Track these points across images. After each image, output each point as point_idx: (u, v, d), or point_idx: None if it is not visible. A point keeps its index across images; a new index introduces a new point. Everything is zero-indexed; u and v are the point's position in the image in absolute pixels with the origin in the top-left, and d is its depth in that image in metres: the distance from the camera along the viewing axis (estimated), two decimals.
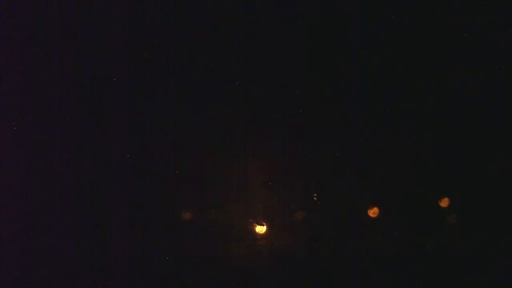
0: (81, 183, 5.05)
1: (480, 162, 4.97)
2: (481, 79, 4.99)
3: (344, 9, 5.03)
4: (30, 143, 5.08)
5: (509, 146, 4.95)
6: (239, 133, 5.04)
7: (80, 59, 5.08)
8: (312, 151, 5.05)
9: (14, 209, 5.09)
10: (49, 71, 5.09)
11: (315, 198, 4.98)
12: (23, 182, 5.09)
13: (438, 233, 4.99)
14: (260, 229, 5.04)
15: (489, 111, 4.97)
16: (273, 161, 5.05)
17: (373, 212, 5.00)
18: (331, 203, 5.01)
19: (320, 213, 5.02)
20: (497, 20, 4.98)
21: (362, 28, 5.02)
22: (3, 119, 5.10)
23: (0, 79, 5.11)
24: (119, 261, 5.02)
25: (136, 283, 5.01)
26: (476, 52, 4.99)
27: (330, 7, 5.03)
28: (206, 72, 5.06)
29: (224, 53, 5.05)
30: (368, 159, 5.02)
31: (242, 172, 5.03)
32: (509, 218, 4.93)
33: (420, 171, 5.00)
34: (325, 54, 5.05)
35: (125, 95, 5.06)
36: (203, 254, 5.02)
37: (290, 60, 5.04)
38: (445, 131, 5.00)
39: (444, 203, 4.99)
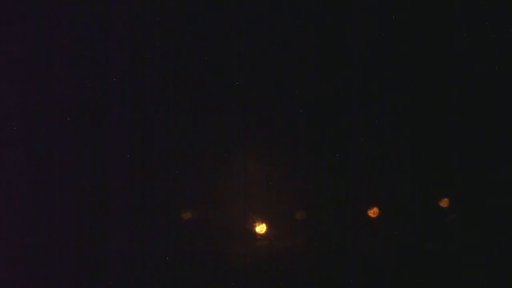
0: (81, 183, 5.05)
1: (480, 162, 4.97)
2: (481, 79, 4.99)
3: (344, 9, 5.04)
4: (30, 143, 5.08)
5: (509, 146, 4.95)
6: (239, 133, 5.04)
7: (80, 59, 5.09)
8: (312, 151, 5.05)
9: (14, 209, 5.09)
10: (49, 71, 5.09)
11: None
12: (23, 182, 5.09)
13: (438, 233, 4.99)
14: (260, 229, 5.04)
15: (489, 111, 4.97)
16: (273, 161, 5.05)
17: (373, 212, 5.00)
18: (331, 203, 5.01)
19: (320, 213, 5.02)
20: (497, 20, 4.99)
21: (363, 28, 5.02)
22: (3, 119, 5.10)
23: (0, 79, 5.12)
24: (119, 261, 5.02)
25: (136, 283, 5.01)
26: (476, 52, 5.00)
27: (330, 7, 5.04)
28: (206, 72, 5.06)
29: (224, 53, 5.05)
30: (368, 159, 5.02)
31: (242, 172, 5.03)
32: (509, 218, 4.93)
33: (420, 171, 5.00)
34: (325, 54, 5.05)
35: (125, 95, 5.07)
36: (203, 254, 5.02)
37: (290, 60, 5.05)
38: (445, 131, 5.00)
39: (444, 203, 4.99)
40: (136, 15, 5.07)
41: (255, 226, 5.04)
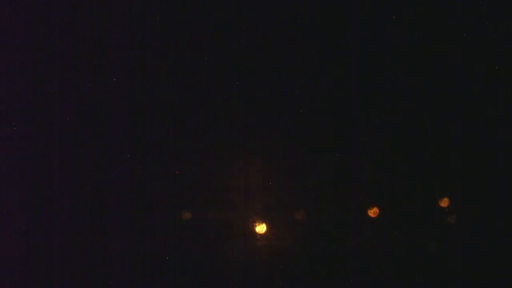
0: (81, 183, 5.05)
1: (480, 162, 4.97)
2: (481, 79, 4.99)
3: (344, 9, 5.03)
4: (30, 143, 5.08)
5: (509, 146, 4.95)
6: (239, 133, 5.04)
7: (80, 59, 5.08)
8: (312, 151, 5.05)
9: (14, 209, 5.09)
10: (49, 71, 5.09)
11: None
12: (23, 182, 5.09)
13: (438, 233, 4.99)
14: (260, 229, 5.04)
15: (489, 111, 4.97)
16: (273, 161, 5.05)
17: (373, 212, 5.00)
18: (331, 203, 5.01)
19: (320, 213, 5.01)
20: (497, 20, 4.98)
21: (362, 28, 5.02)
22: (3, 119, 5.10)
23: (0, 79, 5.12)
24: (119, 261, 5.02)
25: (136, 283, 5.02)
26: (476, 52, 4.99)
27: (330, 7, 5.03)
28: (206, 72, 5.05)
29: (224, 53, 5.05)
30: (368, 159, 5.02)
31: (242, 172, 5.03)
32: (509, 218, 4.93)
33: (420, 171, 5.00)
34: (325, 54, 5.05)
35: (125, 95, 5.06)
36: (203, 254, 5.02)
37: (290, 60, 5.04)
38: (445, 131, 5.00)
39: (444, 203, 4.99)
40: (136, 15, 5.07)
41: (255, 226, 5.04)
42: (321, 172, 5.03)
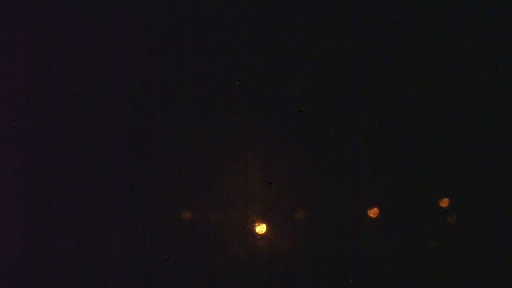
0: (81, 183, 5.05)
1: (480, 162, 4.97)
2: (481, 79, 4.99)
3: (344, 9, 5.04)
4: (30, 143, 5.08)
5: (509, 146, 4.95)
6: (239, 133, 5.04)
7: (80, 59, 5.08)
8: (312, 151, 5.05)
9: (14, 209, 5.09)
10: (49, 71, 5.09)
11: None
12: (23, 182, 5.09)
13: (438, 233, 4.99)
14: (260, 229, 5.04)
15: (489, 111, 4.97)
16: (273, 161, 5.05)
17: (373, 212, 5.00)
18: (331, 203, 5.01)
19: (320, 213, 5.01)
20: (497, 20, 4.98)
21: (362, 28, 5.02)
22: (3, 119, 5.10)
23: (0, 79, 5.12)
24: (119, 261, 5.02)
25: (136, 283, 5.01)
26: (476, 52, 4.99)
27: (330, 7, 5.04)
28: (206, 72, 5.06)
29: (224, 53, 5.05)
30: (368, 159, 5.02)
31: (242, 172, 5.03)
32: (509, 218, 4.93)
33: (420, 171, 5.00)
34: (325, 54, 5.05)
35: (125, 95, 5.07)
36: (203, 254, 5.02)
37: (290, 60, 5.04)
38: (445, 131, 5.00)
39: (444, 203, 4.99)
40: (136, 15, 5.07)
41: (255, 226, 5.04)
42: (321, 172, 5.03)
